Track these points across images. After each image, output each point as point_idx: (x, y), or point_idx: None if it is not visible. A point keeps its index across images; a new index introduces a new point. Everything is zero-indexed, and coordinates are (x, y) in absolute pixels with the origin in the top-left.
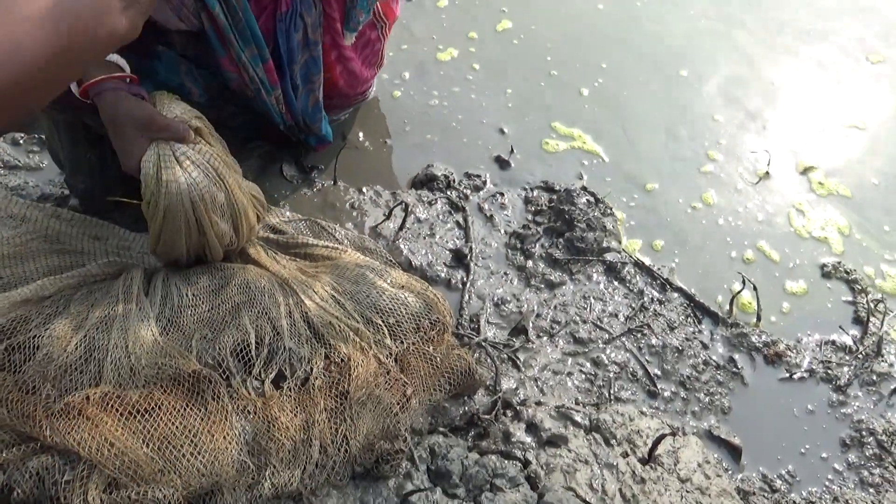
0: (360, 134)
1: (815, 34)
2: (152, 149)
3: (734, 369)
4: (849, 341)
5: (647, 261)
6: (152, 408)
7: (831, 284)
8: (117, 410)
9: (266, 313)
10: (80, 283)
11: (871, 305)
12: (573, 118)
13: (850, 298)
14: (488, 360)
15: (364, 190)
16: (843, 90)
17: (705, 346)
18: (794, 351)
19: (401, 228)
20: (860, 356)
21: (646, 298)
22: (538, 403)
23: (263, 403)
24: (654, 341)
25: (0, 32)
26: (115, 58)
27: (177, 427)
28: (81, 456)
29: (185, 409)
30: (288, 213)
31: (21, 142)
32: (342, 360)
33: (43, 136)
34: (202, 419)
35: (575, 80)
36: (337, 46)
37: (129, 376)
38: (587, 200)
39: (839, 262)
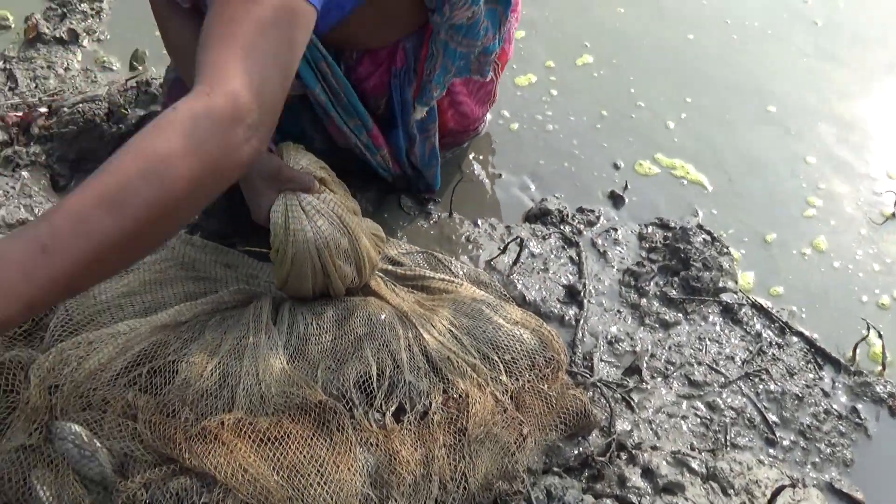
0: (475, 166)
1: None
2: (280, 199)
3: (857, 420)
4: None
5: (764, 303)
6: (281, 436)
7: None
8: (250, 437)
9: (387, 346)
10: (213, 310)
11: None
12: (669, 150)
13: None
14: (602, 400)
15: (479, 223)
16: None
17: (826, 395)
18: None
19: (515, 263)
20: None
21: (764, 342)
22: (654, 448)
23: (385, 436)
24: (772, 387)
25: (142, 168)
26: None
27: (304, 456)
28: (217, 480)
29: (311, 439)
30: (405, 245)
31: None
32: (460, 396)
33: None
34: (328, 449)
35: (662, 113)
36: (449, 93)
37: (259, 403)
38: (703, 239)
39: None
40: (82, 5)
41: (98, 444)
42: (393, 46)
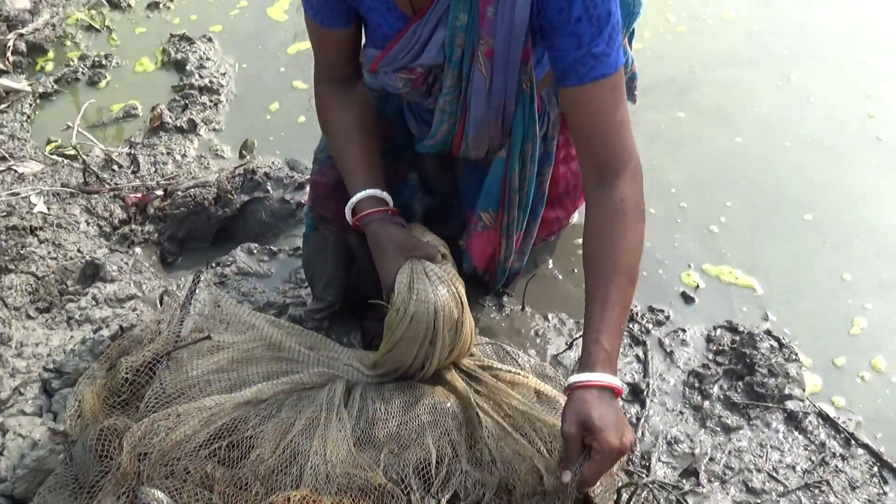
0: (550, 261)
1: None
2: (408, 264)
3: None
4: None
5: (831, 412)
6: None
7: None
8: None
9: (448, 434)
10: (292, 389)
11: None
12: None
13: None
14: (656, 501)
15: (549, 317)
16: None
17: None
18: None
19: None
20: None
21: (827, 452)
22: None
23: None
24: (832, 500)
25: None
26: (383, 195)
27: None
28: None
29: None
30: (476, 337)
31: (254, 251)
32: (513, 487)
33: (273, 248)
34: None
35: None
36: (567, 146)
37: (324, 482)
38: (770, 345)
39: None
40: (202, 98)
41: None
42: None
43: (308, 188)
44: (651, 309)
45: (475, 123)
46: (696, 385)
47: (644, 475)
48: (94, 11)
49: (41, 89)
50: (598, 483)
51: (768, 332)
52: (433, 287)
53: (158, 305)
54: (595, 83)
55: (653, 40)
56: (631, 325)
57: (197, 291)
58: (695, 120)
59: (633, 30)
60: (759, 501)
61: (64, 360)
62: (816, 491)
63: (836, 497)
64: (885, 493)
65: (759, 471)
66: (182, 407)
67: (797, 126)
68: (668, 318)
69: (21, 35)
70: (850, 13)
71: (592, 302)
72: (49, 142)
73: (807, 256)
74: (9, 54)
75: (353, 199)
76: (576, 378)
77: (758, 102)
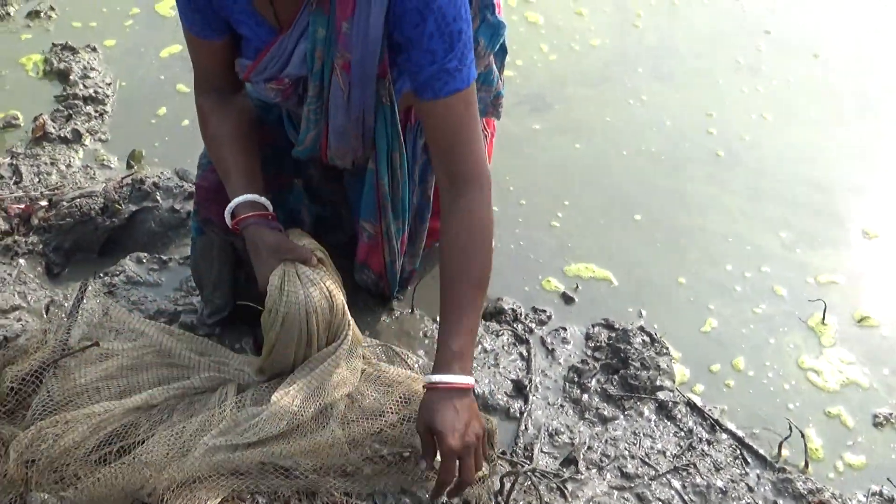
0: (438, 266)
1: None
2: (280, 266)
3: None
4: None
5: (698, 401)
6: None
7: (884, 434)
8: None
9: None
10: (183, 394)
11: None
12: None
13: None
14: (534, 489)
15: (437, 319)
16: None
17: (751, 489)
18: (839, 500)
19: None
20: None
21: (695, 437)
22: None
23: None
24: (698, 480)
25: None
26: (262, 199)
27: None
28: None
29: None
30: (367, 339)
31: (144, 261)
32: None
33: (163, 257)
34: None
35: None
36: None
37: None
38: (643, 340)
39: (891, 413)
40: (87, 107)
41: None
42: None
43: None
44: (535, 309)
45: (335, 132)
46: (576, 380)
47: (526, 464)
48: None
49: None
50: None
51: (641, 329)
52: (304, 289)
53: (44, 315)
54: (449, 97)
55: (524, 67)
56: (515, 325)
57: (84, 300)
58: (548, 132)
59: (506, 50)
60: (632, 485)
61: None
62: (685, 473)
63: (702, 478)
64: (746, 473)
65: (632, 457)
66: (70, 414)
67: (639, 138)
68: (550, 317)
69: None
70: (708, 37)
71: (444, 309)
72: None
73: (644, 253)
74: None
75: (232, 204)
76: (426, 379)
77: (606, 116)
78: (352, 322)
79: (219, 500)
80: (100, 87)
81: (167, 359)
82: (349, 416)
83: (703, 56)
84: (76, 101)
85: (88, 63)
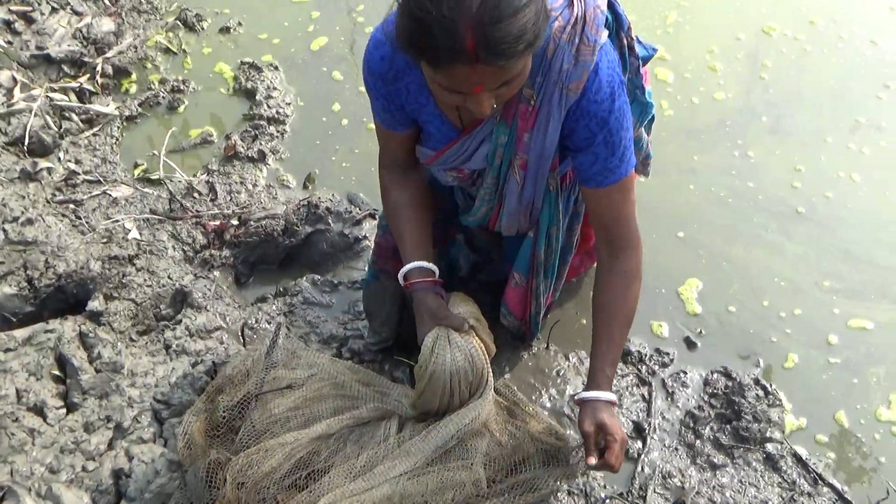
0: (573, 303)
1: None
2: (434, 330)
3: None
4: None
5: (804, 452)
6: None
7: None
8: None
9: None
10: (354, 424)
11: None
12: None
13: None
14: None
15: (570, 356)
16: None
17: None
18: None
19: None
20: None
21: (796, 490)
22: None
23: None
24: None
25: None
26: (430, 266)
27: None
28: None
29: None
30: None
31: (318, 283)
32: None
33: (334, 280)
34: None
35: None
36: None
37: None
38: (756, 394)
39: None
40: (270, 128)
41: None
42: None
43: (370, 242)
44: (658, 351)
45: (508, 213)
46: (692, 425)
47: None
48: (171, 34)
49: (126, 112)
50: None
51: (756, 381)
52: (452, 353)
53: (240, 337)
54: (609, 187)
55: None
56: (639, 366)
57: (279, 341)
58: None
59: (654, 118)
60: None
61: (170, 392)
62: None
63: None
64: None
65: None
66: (269, 442)
67: (729, 188)
68: (672, 360)
69: (107, 59)
70: (831, 91)
71: (598, 341)
72: (136, 165)
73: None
74: (98, 77)
75: (404, 269)
76: (588, 394)
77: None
78: (491, 381)
79: None
80: (281, 108)
81: (340, 390)
82: (490, 456)
83: (823, 114)
84: (261, 122)
85: (271, 82)
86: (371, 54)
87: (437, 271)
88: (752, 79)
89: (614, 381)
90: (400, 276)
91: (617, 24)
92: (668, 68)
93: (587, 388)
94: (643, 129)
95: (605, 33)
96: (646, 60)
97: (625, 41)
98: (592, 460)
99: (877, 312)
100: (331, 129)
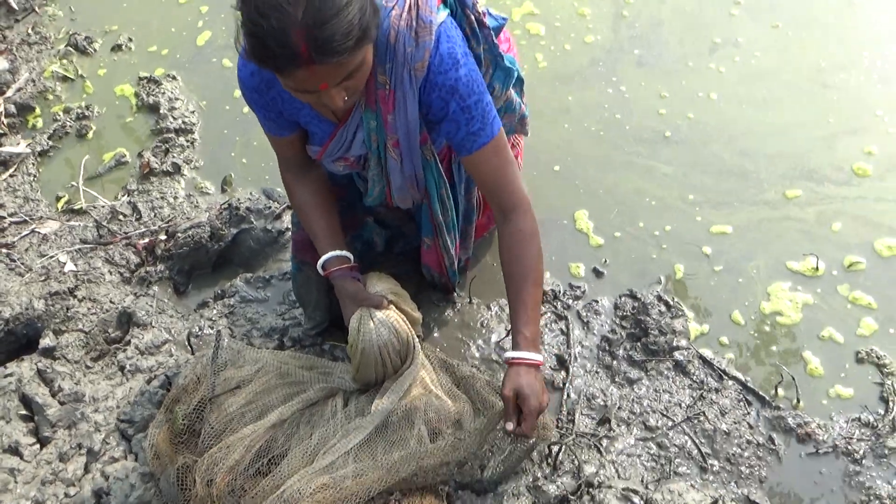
0: (488, 256)
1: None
2: (357, 312)
3: (772, 447)
4: (871, 419)
5: (708, 354)
6: None
7: (865, 369)
8: None
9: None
10: (304, 406)
11: (894, 388)
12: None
13: (878, 380)
14: (574, 450)
15: (491, 306)
16: None
17: (751, 427)
18: (823, 429)
19: None
20: (878, 433)
21: (705, 388)
22: (609, 487)
23: None
24: (707, 426)
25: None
26: (344, 253)
27: None
28: None
29: None
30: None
31: (251, 280)
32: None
33: (265, 276)
34: None
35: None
36: None
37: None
38: (660, 310)
39: (872, 349)
40: (180, 139)
41: None
42: None
43: (290, 237)
44: (571, 286)
45: (396, 189)
46: (607, 348)
47: (570, 429)
48: (65, 61)
49: (38, 148)
50: (533, 429)
51: (659, 297)
52: (377, 329)
53: (187, 346)
54: (480, 150)
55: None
56: (555, 303)
57: (221, 348)
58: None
59: (522, 80)
60: (654, 436)
61: (131, 410)
62: (696, 421)
63: (710, 423)
64: (748, 414)
65: (654, 412)
66: (228, 439)
67: (600, 121)
68: (584, 292)
69: (7, 98)
70: (692, 17)
71: (511, 304)
72: (58, 198)
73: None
74: (2, 118)
75: (321, 260)
76: (510, 354)
77: (584, 102)
78: (418, 346)
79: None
80: (186, 117)
81: (286, 378)
82: (428, 415)
83: (685, 41)
84: (170, 135)
85: (172, 93)
86: (241, 72)
87: (351, 257)
88: (617, 17)
89: None
90: (318, 266)
91: (460, 5)
92: (540, 22)
93: (511, 348)
94: (512, 91)
95: (443, 14)
96: (498, 30)
97: (472, 17)
98: (510, 426)
99: (739, 216)
100: (238, 122)
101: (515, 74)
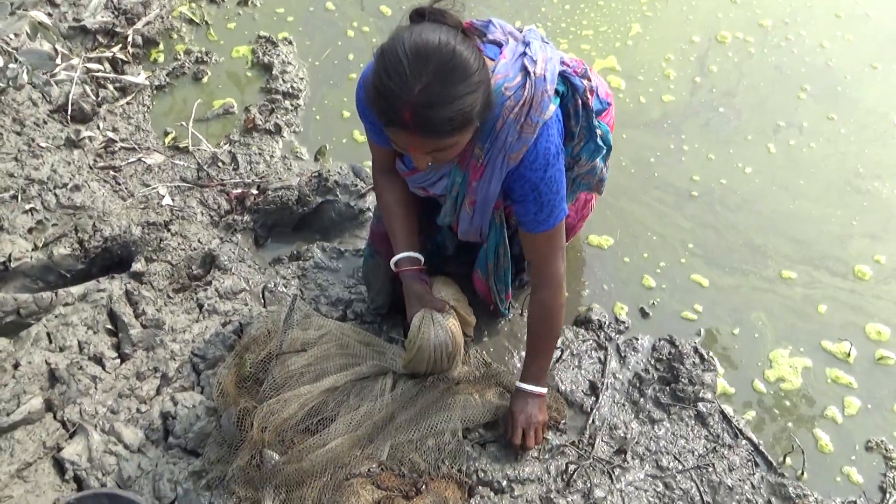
0: None
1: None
2: (420, 312)
3: None
4: None
5: (729, 411)
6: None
7: (872, 456)
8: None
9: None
10: (356, 378)
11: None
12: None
13: (883, 470)
14: (589, 472)
15: None
16: None
17: (754, 487)
18: None
19: (558, 360)
20: None
21: (719, 442)
22: None
23: None
24: (713, 477)
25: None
26: (417, 255)
27: None
28: None
29: None
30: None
31: (327, 249)
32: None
33: (341, 248)
34: None
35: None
36: None
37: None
38: (693, 362)
39: (882, 440)
40: (286, 102)
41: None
42: None
43: (370, 222)
44: (617, 320)
45: (462, 231)
46: (638, 385)
47: (589, 451)
48: (194, 5)
49: (156, 82)
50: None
51: (695, 349)
52: (434, 330)
53: (261, 298)
54: (538, 234)
55: None
56: (599, 333)
57: (295, 312)
58: None
59: (611, 147)
60: (663, 476)
61: (205, 347)
62: (704, 471)
63: (717, 476)
64: (753, 474)
65: (668, 453)
66: (286, 394)
67: (649, 183)
68: (627, 328)
69: (137, 29)
70: (762, 95)
71: (529, 349)
72: (166, 133)
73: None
74: (129, 47)
75: (395, 259)
76: (517, 384)
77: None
78: (462, 350)
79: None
80: (295, 83)
81: (344, 349)
82: (466, 412)
83: (751, 116)
84: (277, 96)
85: (286, 57)
86: (360, 85)
87: (422, 259)
88: (698, 83)
89: (576, 344)
90: (392, 263)
91: (572, 91)
92: (622, 77)
93: (521, 379)
94: (599, 160)
95: (552, 109)
96: (599, 112)
97: (579, 102)
98: (514, 440)
99: (719, 275)
100: (342, 99)
101: (604, 150)
